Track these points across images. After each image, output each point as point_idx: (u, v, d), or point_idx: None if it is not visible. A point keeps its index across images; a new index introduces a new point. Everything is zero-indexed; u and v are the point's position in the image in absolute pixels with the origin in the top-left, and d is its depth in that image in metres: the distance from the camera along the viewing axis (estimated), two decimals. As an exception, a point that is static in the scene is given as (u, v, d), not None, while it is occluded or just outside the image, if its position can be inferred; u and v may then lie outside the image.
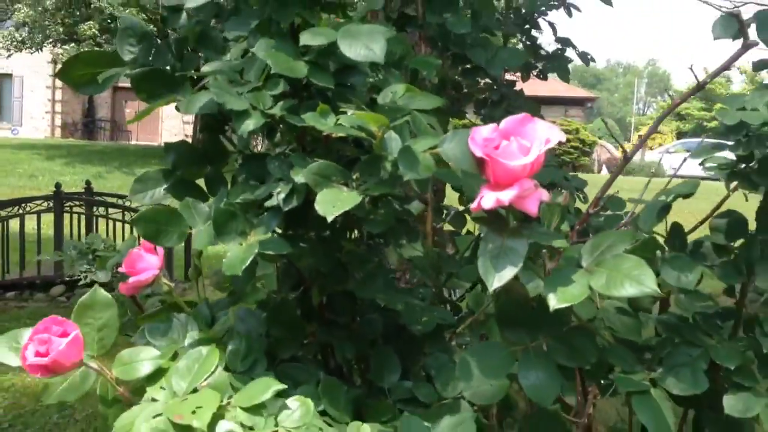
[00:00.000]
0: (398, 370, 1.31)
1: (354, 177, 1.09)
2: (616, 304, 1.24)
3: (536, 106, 2.48)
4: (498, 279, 1.00)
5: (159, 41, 1.33)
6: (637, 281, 0.99)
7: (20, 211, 7.51)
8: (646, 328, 1.27)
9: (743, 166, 1.15)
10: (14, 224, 7.46)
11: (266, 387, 1.00)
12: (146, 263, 1.31)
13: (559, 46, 2.74)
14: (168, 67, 1.31)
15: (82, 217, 7.57)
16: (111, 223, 7.55)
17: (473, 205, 1.04)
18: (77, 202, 7.76)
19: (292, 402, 1.02)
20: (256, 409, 0.96)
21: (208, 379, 1.00)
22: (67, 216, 7.49)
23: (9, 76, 27.66)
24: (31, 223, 7.61)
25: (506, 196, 1.01)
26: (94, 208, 7.59)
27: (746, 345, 1.16)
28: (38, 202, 7.65)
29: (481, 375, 1.11)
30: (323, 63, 1.19)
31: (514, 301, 1.16)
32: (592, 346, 1.15)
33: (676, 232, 1.18)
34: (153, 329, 1.28)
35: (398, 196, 1.19)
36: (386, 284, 1.30)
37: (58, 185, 7.72)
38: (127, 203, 7.69)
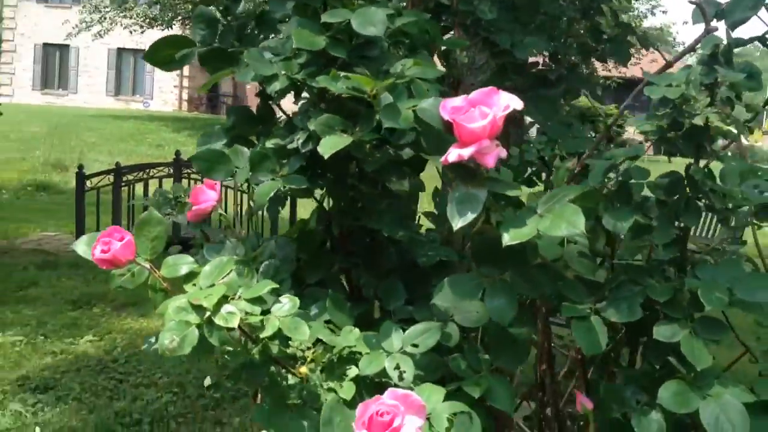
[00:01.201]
0: (403, 296, 1.59)
1: (357, 128, 1.39)
2: (579, 249, 1.48)
3: (594, 86, 2.67)
4: (462, 221, 1.28)
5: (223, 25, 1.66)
6: (571, 224, 1.24)
7: (144, 176, 8.25)
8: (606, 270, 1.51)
9: (671, 134, 1.36)
10: (139, 188, 8.22)
11: (264, 285, 1.31)
12: (207, 196, 1.65)
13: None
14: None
15: (198, 182, 8.19)
16: (223, 189, 8.11)
17: (442, 159, 1.31)
18: (193, 169, 8.39)
19: (284, 298, 1.33)
20: (254, 301, 1.27)
21: (223, 279, 1.33)
22: (185, 181, 8.12)
23: (143, 51, 29.22)
24: (153, 187, 8.31)
25: (466, 152, 1.28)
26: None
27: (680, 284, 1.38)
28: (160, 168, 8.35)
29: (454, 297, 1.38)
30: (342, 38, 1.49)
31: (486, 241, 1.43)
32: (547, 281, 1.41)
33: (624, 187, 1.41)
34: (210, 249, 1.63)
35: (393, 144, 1.46)
36: (393, 220, 1.58)
37: (177, 153, 8.39)
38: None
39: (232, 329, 1.20)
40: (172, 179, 8.01)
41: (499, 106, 1.31)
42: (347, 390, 1.33)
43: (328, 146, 1.32)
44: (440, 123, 1.30)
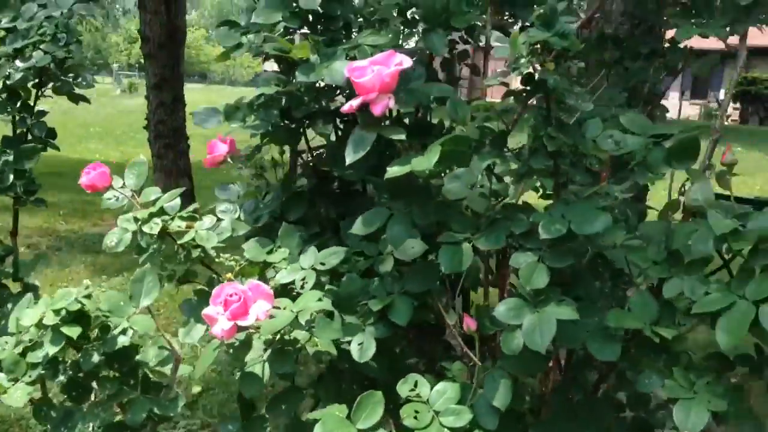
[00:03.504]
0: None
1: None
2: (481, 192, 1.74)
3: (687, 57, 2.71)
4: (354, 156, 1.61)
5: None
6: (429, 161, 1.53)
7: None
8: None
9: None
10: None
11: (190, 210, 1.75)
12: (219, 148, 2.08)
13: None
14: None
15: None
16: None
17: (342, 108, 1.64)
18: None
19: (206, 218, 1.75)
20: (188, 218, 1.71)
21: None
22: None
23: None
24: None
25: (355, 102, 1.60)
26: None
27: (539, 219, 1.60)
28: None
29: (363, 227, 1.70)
30: (303, 13, 1.85)
31: (399, 181, 1.73)
32: (441, 214, 1.69)
33: (498, 137, 1.64)
34: (221, 187, 2.09)
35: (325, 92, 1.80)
36: (360, 168, 1.89)
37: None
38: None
39: (154, 235, 1.63)
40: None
41: (389, 65, 1.62)
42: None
43: (263, 92, 1.71)
44: (343, 80, 1.63)
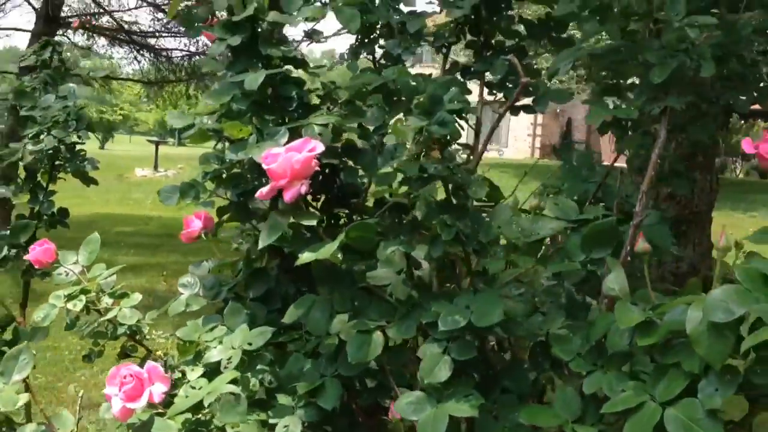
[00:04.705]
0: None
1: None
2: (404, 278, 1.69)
3: None
4: (264, 242, 1.61)
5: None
6: (330, 249, 1.50)
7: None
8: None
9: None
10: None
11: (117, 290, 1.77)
12: (194, 224, 2.12)
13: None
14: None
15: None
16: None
17: (256, 194, 1.64)
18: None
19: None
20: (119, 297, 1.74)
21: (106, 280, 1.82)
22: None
23: (501, 103, 30.86)
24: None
25: (265, 189, 1.60)
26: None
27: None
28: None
29: (289, 315, 1.69)
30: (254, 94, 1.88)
31: (325, 266, 1.71)
32: (362, 300, 1.65)
33: (410, 222, 1.59)
34: (193, 266, 2.13)
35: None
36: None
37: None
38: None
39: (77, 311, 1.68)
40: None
41: (302, 151, 1.61)
42: (195, 372, 1.71)
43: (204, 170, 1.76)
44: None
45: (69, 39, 16.90)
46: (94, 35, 15.72)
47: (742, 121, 27.12)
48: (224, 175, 1.79)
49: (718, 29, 2.26)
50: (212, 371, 1.69)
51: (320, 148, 1.61)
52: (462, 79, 2.25)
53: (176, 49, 15.11)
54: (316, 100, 2.03)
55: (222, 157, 1.82)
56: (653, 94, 1.58)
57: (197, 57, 14.11)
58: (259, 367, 1.72)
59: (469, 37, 2.32)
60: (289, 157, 1.59)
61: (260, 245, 1.60)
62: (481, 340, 1.60)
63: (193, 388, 1.63)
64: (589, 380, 1.44)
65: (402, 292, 1.65)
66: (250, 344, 1.71)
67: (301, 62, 1.99)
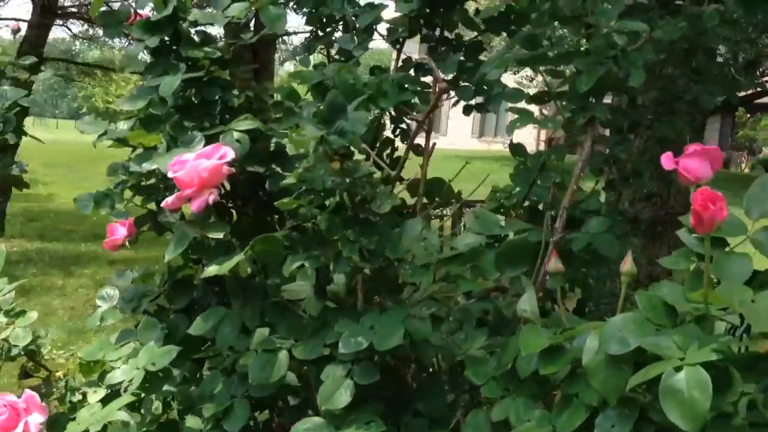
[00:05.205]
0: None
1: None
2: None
3: None
4: (171, 254, 1.53)
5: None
6: (230, 264, 1.43)
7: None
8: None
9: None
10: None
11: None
12: (118, 231, 2.05)
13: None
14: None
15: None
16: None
17: (162, 204, 1.56)
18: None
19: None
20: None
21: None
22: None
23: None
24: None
25: (169, 199, 1.52)
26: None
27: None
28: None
29: (196, 327, 1.62)
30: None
31: (237, 279, 1.63)
32: (274, 316, 1.57)
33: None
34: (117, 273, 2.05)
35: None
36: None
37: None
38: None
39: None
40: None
41: (208, 160, 1.53)
42: (97, 395, 1.63)
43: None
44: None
45: (69, 29, 16.86)
46: (94, 25, 15.62)
47: (748, 115, 26.93)
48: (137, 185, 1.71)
49: (682, 21, 2.17)
50: (115, 393, 1.62)
51: (231, 155, 1.54)
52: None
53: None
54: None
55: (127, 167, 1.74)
56: (580, 103, 1.49)
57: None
58: (166, 388, 1.64)
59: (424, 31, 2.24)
60: (196, 165, 1.51)
61: (167, 258, 1.52)
62: (396, 360, 1.52)
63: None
64: (499, 407, 1.36)
65: (314, 307, 1.57)
66: (153, 364, 1.63)
67: (229, 63, 1.91)
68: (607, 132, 2.66)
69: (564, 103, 1.53)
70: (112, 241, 2.03)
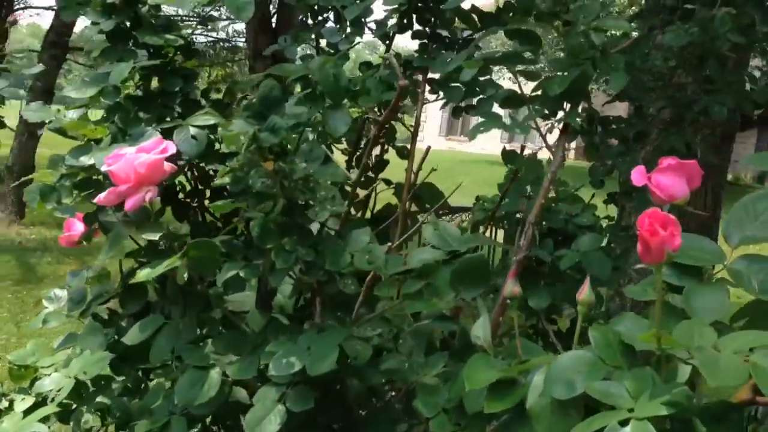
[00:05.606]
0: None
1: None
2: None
3: None
4: (105, 254, 1.41)
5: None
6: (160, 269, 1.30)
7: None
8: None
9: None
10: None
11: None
12: (75, 227, 1.93)
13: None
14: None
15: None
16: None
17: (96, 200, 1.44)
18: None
19: None
20: None
21: None
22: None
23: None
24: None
25: (102, 195, 1.39)
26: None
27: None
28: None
29: (133, 336, 1.49)
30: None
31: (177, 287, 1.50)
32: (213, 329, 1.44)
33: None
34: (71, 274, 1.92)
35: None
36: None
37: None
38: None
39: None
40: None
41: (147, 153, 1.40)
42: (24, 403, 1.51)
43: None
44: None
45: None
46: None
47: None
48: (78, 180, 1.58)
49: (693, 27, 2.00)
50: (43, 402, 1.50)
51: (172, 149, 1.40)
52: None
53: (200, 34, 14.97)
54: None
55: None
56: (552, 107, 1.34)
57: (221, 44, 13.96)
58: (99, 399, 1.52)
59: (416, 26, 2.10)
60: (131, 159, 1.38)
61: (101, 258, 1.39)
62: (341, 385, 1.38)
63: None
64: (443, 442, 1.22)
65: (257, 322, 1.43)
66: (85, 373, 1.51)
67: (194, 52, 1.78)
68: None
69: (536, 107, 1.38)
70: (68, 237, 1.90)
